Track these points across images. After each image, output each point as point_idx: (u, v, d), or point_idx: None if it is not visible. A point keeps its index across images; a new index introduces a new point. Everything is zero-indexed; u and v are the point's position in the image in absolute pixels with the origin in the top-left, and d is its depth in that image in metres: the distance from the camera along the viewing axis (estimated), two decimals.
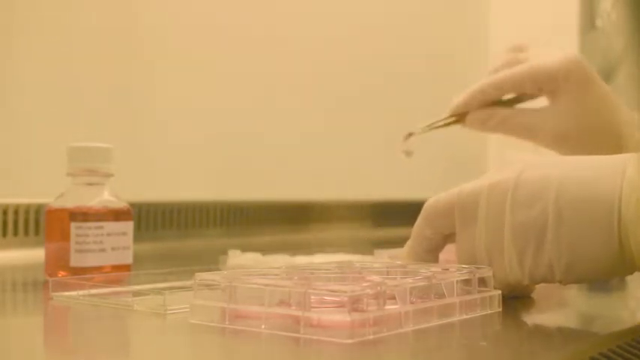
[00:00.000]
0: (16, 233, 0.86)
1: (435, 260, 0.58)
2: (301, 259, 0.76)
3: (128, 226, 0.68)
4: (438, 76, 1.52)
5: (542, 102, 0.77)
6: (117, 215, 0.68)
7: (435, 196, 0.58)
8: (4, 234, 0.85)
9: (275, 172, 1.21)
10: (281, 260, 0.76)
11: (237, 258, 0.77)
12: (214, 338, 0.44)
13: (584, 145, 0.74)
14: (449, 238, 0.58)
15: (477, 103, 0.77)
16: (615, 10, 1.37)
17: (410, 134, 0.81)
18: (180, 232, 1.04)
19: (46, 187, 0.77)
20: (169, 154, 1.06)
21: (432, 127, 0.80)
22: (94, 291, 0.55)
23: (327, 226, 1.28)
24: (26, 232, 0.87)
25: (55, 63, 0.94)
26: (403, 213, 1.49)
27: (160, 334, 0.47)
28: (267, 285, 0.45)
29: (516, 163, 0.54)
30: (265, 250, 0.82)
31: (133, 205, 0.70)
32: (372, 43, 1.40)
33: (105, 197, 0.68)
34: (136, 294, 0.55)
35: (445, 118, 0.80)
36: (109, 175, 0.69)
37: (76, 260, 0.65)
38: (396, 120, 1.46)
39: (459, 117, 0.79)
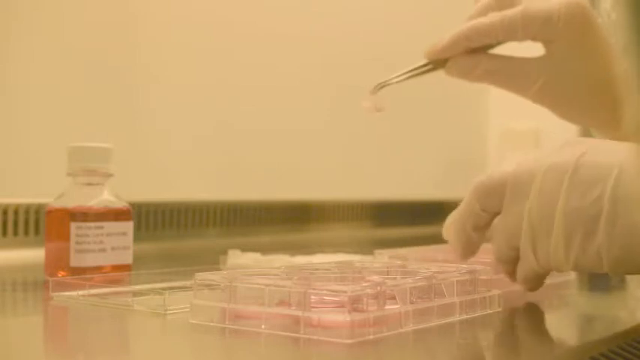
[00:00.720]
0: (16, 233, 0.86)
1: (482, 239, 0.56)
2: (301, 259, 0.76)
3: (128, 226, 0.68)
4: (439, 75, 1.52)
5: (534, 49, 0.68)
6: (117, 215, 0.68)
7: (488, 172, 0.54)
8: (4, 234, 0.85)
9: (275, 172, 1.21)
10: (281, 260, 0.76)
11: (237, 258, 0.77)
12: (214, 338, 0.44)
13: (582, 102, 0.67)
14: (497, 216, 0.55)
15: (459, 50, 0.68)
16: (615, 10, 1.37)
17: (381, 85, 0.70)
18: (180, 232, 1.04)
19: (46, 187, 0.77)
20: (169, 154, 1.06)
21: (407, 76, 0.69)
22: (93, 291, 0.55)
23: (327, 226, 1.28)
24: (26, 232, 0.87)
25: (55, 63, 0.94)
26: (403, 213, 1.49)
27: (160, 334, 0.47)
28: (267, 285, 0.45)
29: (578, 144, 0.51)
30: (265, 250, 0.82)
31: (133, 205, 0.70)
32: (374, 43, 1.40)
33: (105, 197, 0.68)
34: (136, 294, 0.55)
35: (422, 66, 0.69)
36: (108, 175, 0.69)
37: (76, 260, 0.65)
38: (396, 120, 1.46)
39: (438, 64, 0.69)
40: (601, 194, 0.48)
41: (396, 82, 0.69)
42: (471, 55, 0.67)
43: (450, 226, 0.57)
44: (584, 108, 0.67)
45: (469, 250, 0.56)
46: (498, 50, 0.68)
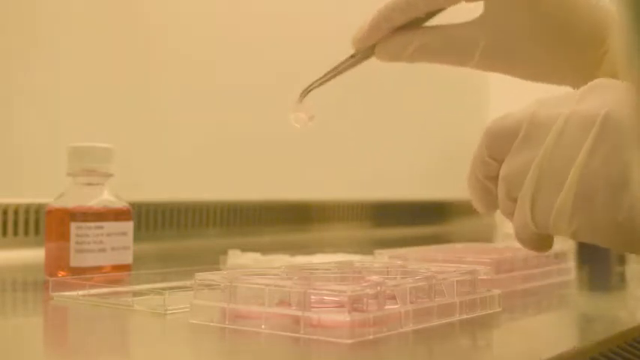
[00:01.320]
0: (16, 233, 0.86)
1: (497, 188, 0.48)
2: (301, 259, 0.76)
3: (128, 226, 0.68)
4: (441, 75, 1.52)
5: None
6: (117, 215, 0.68)
7: (502, 115, 0.47)
8: (4, 234, 0.85)
9: (275, 172, 1.21)
10: (281, 260, 0.76)
11: (237, 258, 0.77)
12: (214, 338, 0.44)
13: (537, 56, 0.57)
14: None
15: (384, 32, 0.59)
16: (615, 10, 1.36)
17: (306, 91, 0.62)
18: (180, 232, 1.04)
19: (46, 187, 0.77)
20: (169, 154, 1.06)
21: (334, 74, 0.62)
22: (94, 291, 0.55)
23: (327, 226, 1.28)
24: (26, 232, 0.87)
25: (55, 63, 0.94)
26: (403, 213, 1.49)
27: (160, 334, 0.47)
28: (267, 285, 0.45)
29: (607, 91, 0.44)
30: (265, 250, 0.82)
31: (133, 205, 0.70)
32: None
33: (105, 197, 0.68)
34: (136, 294, 0.55)
35: (349, 58, 0.62)
36: (108, 175, 0.69)
37: (76, 260, 0.65)
38: (396, 120, 1.46)
39: (368, 52, 0.62)
40: (629, 160, 0.42)
41: (324, 82, 0.62)
42: (399, 34, 0.59)
43: (467, 180, 0.50)
44: (543, 63, 0.58)
45: (487, 202, 0.48)
46: (434, 22, 0.60)
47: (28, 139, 0.91)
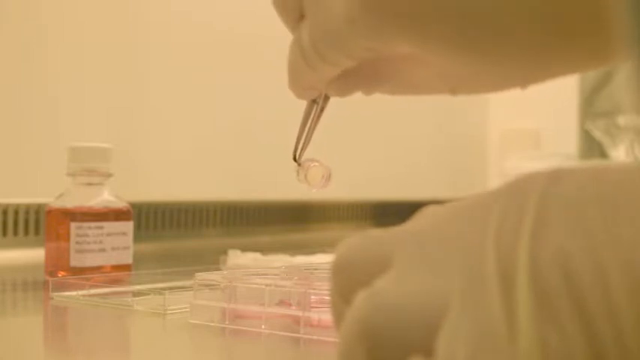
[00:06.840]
0: (16, 233, 0.86)
1: None
2: (301, 259, 0.76)
3: (128, 226, 0.68)
4: None
5: None
6: (117, 215, 0.68)
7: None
8: (4, 234, 0.85)
9: (275, 172, 1.21)
10: (281, 260, 0.76)
11: (237, 258, 0.77)
12: (214, 338, 0.44)
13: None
14: None
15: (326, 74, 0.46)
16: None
17: (299, 156, 0.54)
18: (180, 232, 1.04)
19: (46, 187, 0.77)
20: (169, 154, 1.06)
21: (312, 126, 0.54)
22: (93, 291, 0.55)
23: (327, 226, 1.28)
24: (26, 232, 0.87)
25: (55, 62, 0.94)
26: (403, 213, 1.49)
27: (160, 334, 0.47)
28: (267, 285, 0.45)
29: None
30: (265, 250, 0.82)
31: (133, 205, 0.70)
32: None
33: (105, 197, 0.68)
34: (136, 294, 0.55)
35: (311, 105, 0.54)
36: (108, 175, 0.69)
37: (75, 260, 0.65)
38: (396, 120, 1.46)
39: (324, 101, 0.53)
40: None
41: (308, 137, 0.54)
42: (350, 78, 0.47)
43: None
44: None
45: None
46: None
47: (28, 139, 0.91)
